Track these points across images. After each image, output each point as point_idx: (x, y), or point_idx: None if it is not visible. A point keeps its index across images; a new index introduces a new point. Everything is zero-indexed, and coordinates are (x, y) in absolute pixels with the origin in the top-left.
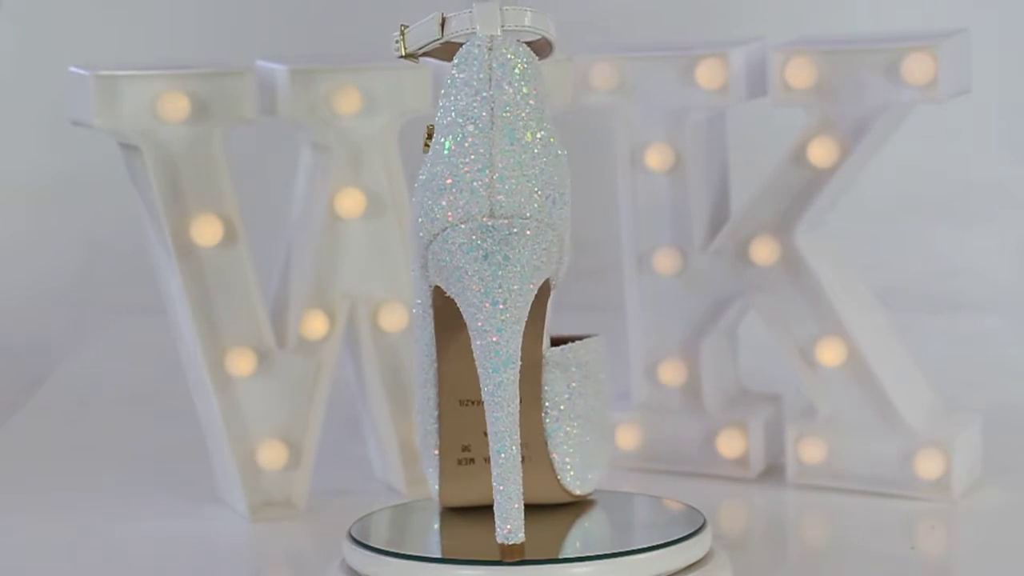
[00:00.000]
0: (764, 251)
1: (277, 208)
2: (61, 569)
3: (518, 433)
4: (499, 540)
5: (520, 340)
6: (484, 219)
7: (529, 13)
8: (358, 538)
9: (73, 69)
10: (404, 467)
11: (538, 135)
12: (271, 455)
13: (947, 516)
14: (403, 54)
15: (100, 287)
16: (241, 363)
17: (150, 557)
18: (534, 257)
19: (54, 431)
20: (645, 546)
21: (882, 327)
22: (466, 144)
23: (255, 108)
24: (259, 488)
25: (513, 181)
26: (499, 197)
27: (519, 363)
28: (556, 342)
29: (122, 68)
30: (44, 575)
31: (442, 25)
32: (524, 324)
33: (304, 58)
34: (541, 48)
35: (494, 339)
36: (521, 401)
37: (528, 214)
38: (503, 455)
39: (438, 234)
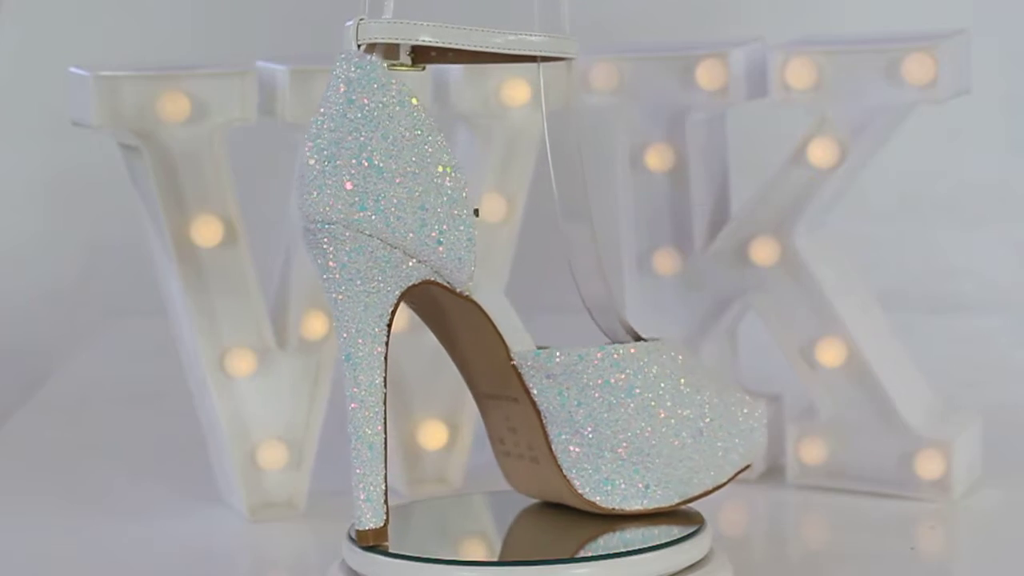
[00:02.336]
0: (764, 251)
1: (277, 208)
2: (61, 569)
3: (368, 426)
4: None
5: (361, 344)
6: (305, 223)
7: (374, 26)
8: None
9: (73, 69)
10: (404, 467)
11: (360, 139)
12: (271, 455)
13: (947, 516)
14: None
15: (100, 288)
16: (241, 363)
17: (150, 557)
18: (354, 264)
19: (54, 431)
20: (645, 546)
21: (882, 327)
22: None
23: (255, 108)
24: (259, 488)
25: (324, 187)
26: (305, 199)
27: (359, 364)
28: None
29: (122, 68)
30: (44, 575)
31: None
32: (365, 329)
33: (304, 58)
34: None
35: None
36: (513, 400)
37: (334, 218)
38: (351, 446)
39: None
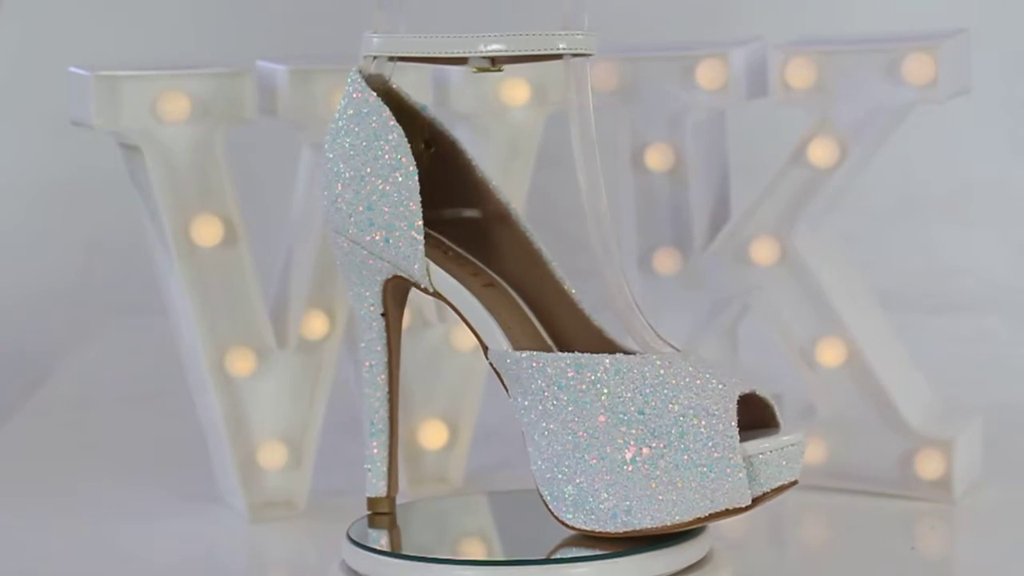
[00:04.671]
0: (764, 251)
1: (277, 208)
2: (61, 569)
3: (375, 414)
4: None
5: (364, 327)
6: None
7: (376, 40)
8: (357, 539)
9: (73, 69)
10: (404, 467)
11: (335, 145)
12: (271, 455)
13: (947, 516)
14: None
15: (100, 287)
16: (241, 363)
17: (150, 557)
18: (345, 259)
19: (54, 431)
20: (645, 546)
21: (882, 327)
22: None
23: (255, 108)
24: (259, 488)
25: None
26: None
27: (365, 349)
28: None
29: (122, 68)
30: (44, 575)
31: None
32: (365, 316)
33: (304, 58)
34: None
35: None
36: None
37: (324, 219)
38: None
39: None
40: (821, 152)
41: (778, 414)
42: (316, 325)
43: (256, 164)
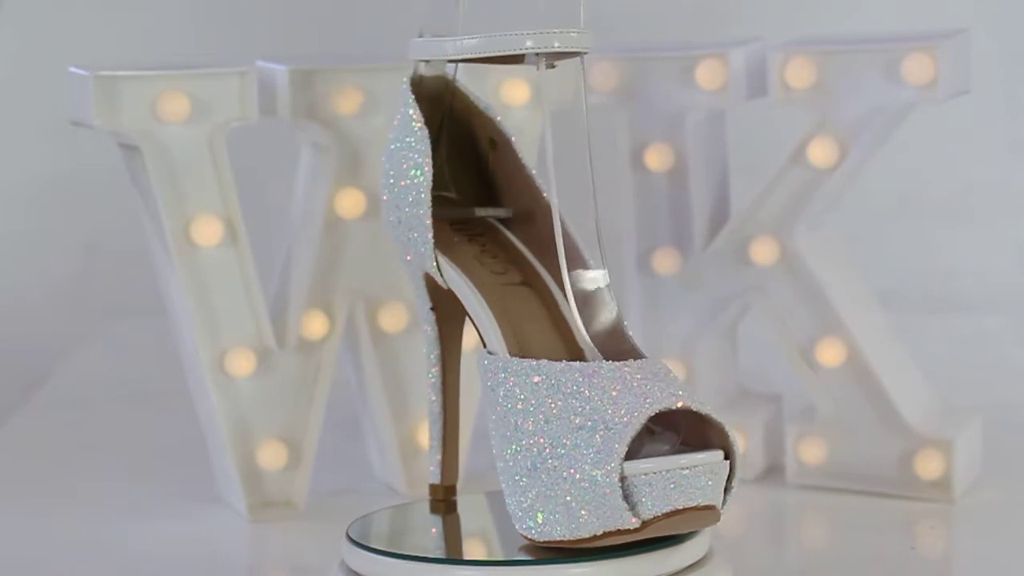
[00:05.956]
0: (764, 251)
1: (277, 208)
2: (61, 569)
3: (429, 403)
4: None
5: (427, 331)
6: None
7: (417, 43)
8: (357, 539)
9: (73, 69)
10: (404, 467)
11: (389, 148)
12: (271, 455)
13: (947, 516)
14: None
15: (99, 287)
16: (241, 363)
17: (150, 557)
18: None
19: (54, 431)
20: (645, 546)
21: (882, 327)
22: None
23: (255, 108)
24: (259, 488)
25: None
26: None
27: (427, 348)
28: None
29: (122, 68)
30: (44, 575)
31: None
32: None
33: (304, 58)
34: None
35: None
36: None
37: None
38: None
39: None
40: (821, 152)
41: (729, 433)
42: (316, 325)
43: (256, 164)
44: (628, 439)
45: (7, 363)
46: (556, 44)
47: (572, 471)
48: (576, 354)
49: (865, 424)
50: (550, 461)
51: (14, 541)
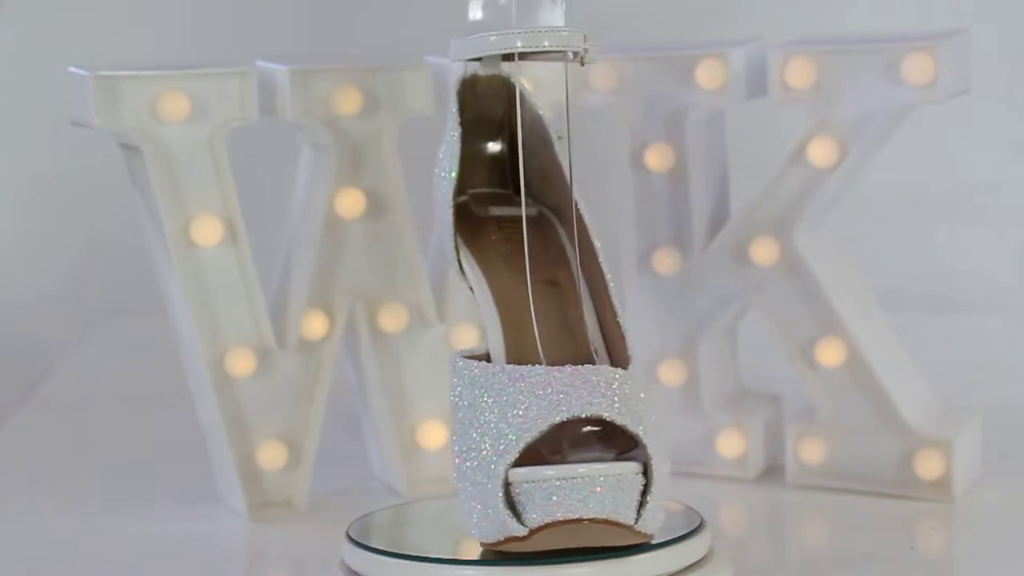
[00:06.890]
0: (764, 251)
1: (277, 208)
2: (61, 569)
3: None
4: None
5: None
6: None
7: (457, 43)
8: (357, 538)
9: (73, 69)
10: (404, 467)
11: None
12: (271, 455)
13: (947, 516)
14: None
15: (100, 287)
16: (241, 363)
17: (150, 557)
18: None
19: (54, 431)
20: (644, 546)
21: (882, 327)
22: None
23: (255, 108)
24: (259, 488)
25: None
26: None
27: None
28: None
29: (122, 68)
30: (44, 575)
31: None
32: None
33: (304, 58)
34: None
35: None
36: None
37: None
38: None
39: None
40: (821, 152)
41: (647, 445)
42: (316, 325)
43: (256, 164)
44: (519, 447)
45: (7, 363)
46: (546, 43)
47: (477, 476)
48: (584, 356)
49: (865, 424)
50: (466, 464)
51: (14, 541)
